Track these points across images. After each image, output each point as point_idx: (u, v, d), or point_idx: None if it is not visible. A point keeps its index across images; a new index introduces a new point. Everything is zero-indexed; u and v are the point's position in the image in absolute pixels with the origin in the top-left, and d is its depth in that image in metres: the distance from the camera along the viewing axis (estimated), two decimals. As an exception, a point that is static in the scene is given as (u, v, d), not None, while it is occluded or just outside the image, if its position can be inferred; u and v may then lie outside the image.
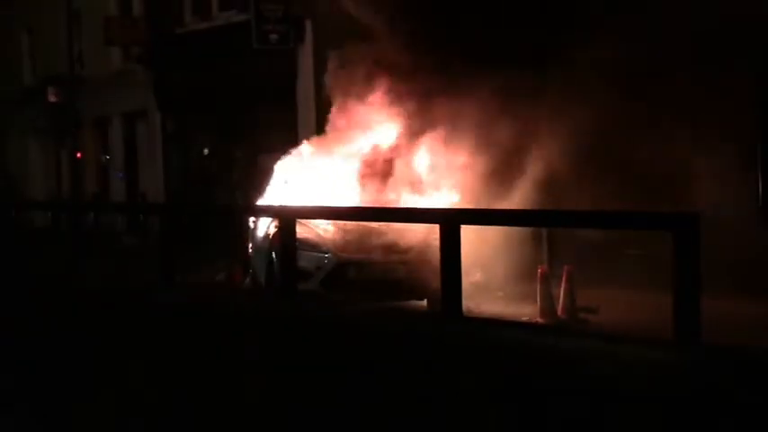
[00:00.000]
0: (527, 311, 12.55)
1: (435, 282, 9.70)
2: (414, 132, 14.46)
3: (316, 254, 12.63)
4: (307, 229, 12.57)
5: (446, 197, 13.78)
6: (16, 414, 11.93)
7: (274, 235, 12.55)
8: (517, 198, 13.33)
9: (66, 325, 13.21)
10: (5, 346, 13.33)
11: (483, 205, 13.02)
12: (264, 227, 13.50)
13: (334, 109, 15.27)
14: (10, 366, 12.86)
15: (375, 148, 14.46)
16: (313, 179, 14.11)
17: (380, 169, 14.24)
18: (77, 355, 12.73)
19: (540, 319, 12.35)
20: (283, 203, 13.31)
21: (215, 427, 10.06)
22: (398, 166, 14.25)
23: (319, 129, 20.14)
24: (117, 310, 12.31)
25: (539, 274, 12.73)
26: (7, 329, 13.89)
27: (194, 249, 16.89)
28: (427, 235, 12.22)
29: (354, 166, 14.25)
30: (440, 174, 14.11)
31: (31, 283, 14.47)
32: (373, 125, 14.71)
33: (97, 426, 11.01)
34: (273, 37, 21.89)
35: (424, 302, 12.70)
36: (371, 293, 11.96)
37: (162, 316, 11.60)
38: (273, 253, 12.58)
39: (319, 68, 21.97)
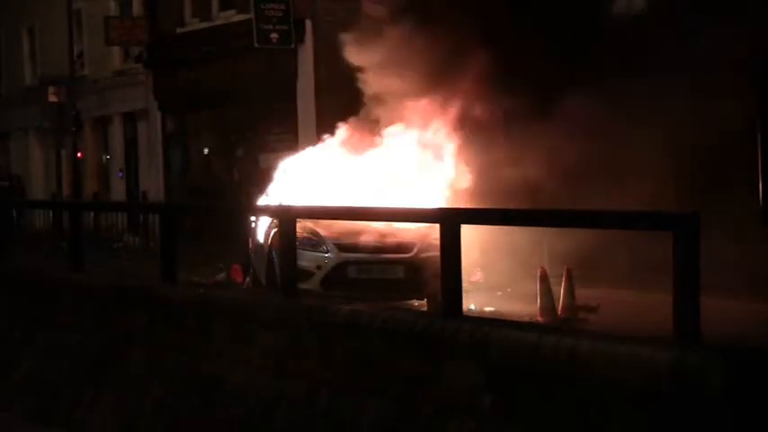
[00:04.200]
0: (527, 311, 12.55)
1: (435, 281, 9.71)
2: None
3: (316, 253, 12.64)
4: (307, 228, 12.58)
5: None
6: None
7: (275, 234, 12.55)
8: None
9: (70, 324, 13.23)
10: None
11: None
12: (265, 226, 13.51)
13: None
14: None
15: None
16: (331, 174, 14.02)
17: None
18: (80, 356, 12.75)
19: (540, 319, 12.36)
20: (283, 203, 13.30)
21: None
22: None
23: (319, 128, 20.14)
24: (118, 308, 12.33)
25: (538, 274, 12.74)
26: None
27: (194, 249, 16.88)
28: (428, 234, 12.22)
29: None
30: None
31: (32, 281, 14.49)
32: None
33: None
34: (274, 36, 21.90)
35: (424, 302, 12.71)
36: (372, 293, 11.96)
37: (164, 314, 11.61)
38: (274, 252, 12.59)
39: (319, 68, 22.02)
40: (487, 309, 12.87)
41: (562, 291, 12.64)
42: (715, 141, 13.35)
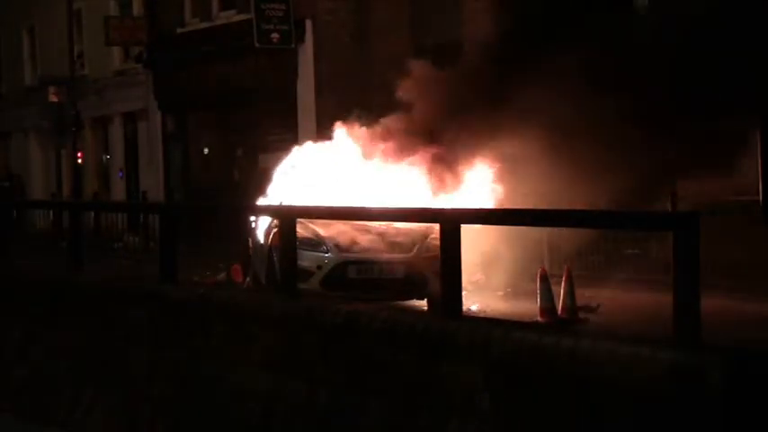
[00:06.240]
0: (527, 311, 12.54)
1: (435, 281, 9.70)
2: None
3: (316, 253, 12.63)
4: (307, 228, 12.58)
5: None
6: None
7: (275, 234, 12.55)
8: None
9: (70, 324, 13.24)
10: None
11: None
12: (265, 226, 13.51)
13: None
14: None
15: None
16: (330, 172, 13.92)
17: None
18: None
19: (540, 319, 12.35)
20: (283, 203, 13.30)
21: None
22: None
23: (319, 128, 20.14)
24: (118, 308, 12.34)
25: (538, 274, 12.73)
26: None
27: (194, 249, 16.88)
28: (428, 235, 12.22)
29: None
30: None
31: (32, 281, 14.50)
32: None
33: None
34: (275, 36, 21.91)
35: (424, 302, 12.71)
36: (372, 293, 11.96)
37: (164, 314, 11.62)
38: (274, 252, 12.59)
39: (319, 68, 22.02)
40: (487, 309, 12.87)
41: (562, 291, 12.63)
42: (714, 139, 13.34)
